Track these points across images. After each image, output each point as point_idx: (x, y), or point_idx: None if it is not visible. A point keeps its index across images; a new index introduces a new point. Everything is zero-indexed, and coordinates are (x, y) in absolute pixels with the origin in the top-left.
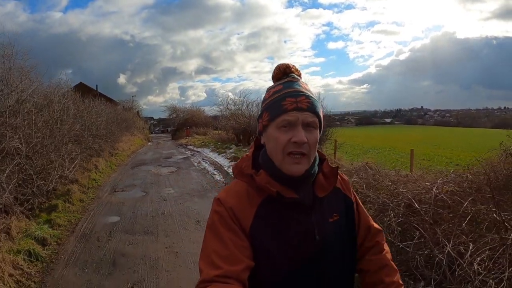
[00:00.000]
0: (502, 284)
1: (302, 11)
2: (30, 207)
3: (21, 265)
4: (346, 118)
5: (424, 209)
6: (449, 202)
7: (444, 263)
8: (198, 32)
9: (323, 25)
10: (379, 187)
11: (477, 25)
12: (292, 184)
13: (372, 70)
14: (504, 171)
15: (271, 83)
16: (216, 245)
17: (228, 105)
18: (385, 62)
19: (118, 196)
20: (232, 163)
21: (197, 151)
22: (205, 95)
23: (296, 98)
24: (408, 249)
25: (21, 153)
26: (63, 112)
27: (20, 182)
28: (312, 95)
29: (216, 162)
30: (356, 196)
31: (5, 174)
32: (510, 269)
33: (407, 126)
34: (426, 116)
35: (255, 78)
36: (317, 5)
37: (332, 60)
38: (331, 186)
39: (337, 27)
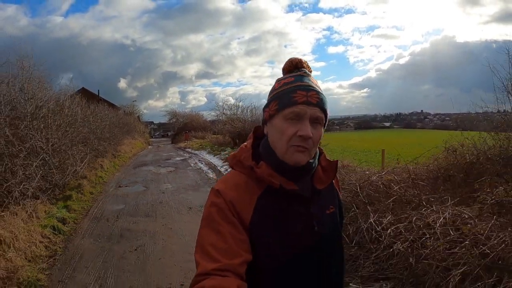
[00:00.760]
0: (407, 243)
1: (303, 15)
2: (51, 195)
3: (48, 235)
4: (345, 122)
5: (363, 192)
6: (383, 187)
7: (364, 229)
8: (198, 36)
9: (324, 29)
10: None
11: (476, 28)
12: (293, 175)
13: (372, 74)
14: (445, 164)
15: (271, 88)
16: (214, 238)
17: (224, 110)
18: (385, 66)
19: (122, 190)
20: (225, 163)
21: (195, 154)
22: (205, 99)
23: (307, 92)
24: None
25: (46, 150)
26: (72, 117)
27: (43, 174)
28: (321, 92)
29: (211, 163)
30: (340, 195)
31: (33, 167)
32: (416, 232)
33: (406, 130)
34: (426, 119)
35: (255, 83)
36: (317, 10)
37: (333, 65)
38: (330, 179)
39: (337, 32)
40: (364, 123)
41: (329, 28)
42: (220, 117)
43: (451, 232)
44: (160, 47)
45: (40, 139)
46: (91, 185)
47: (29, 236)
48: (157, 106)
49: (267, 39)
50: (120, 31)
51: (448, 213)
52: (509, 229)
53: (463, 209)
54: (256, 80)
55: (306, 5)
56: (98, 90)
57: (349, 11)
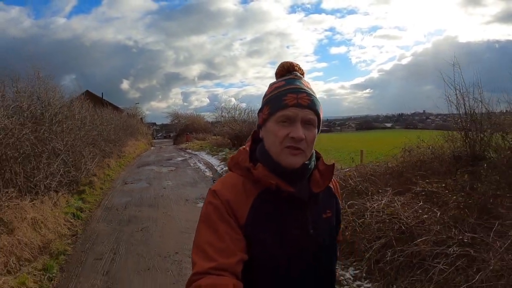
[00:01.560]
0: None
1: (305, 16)
2: (69, 189)
3: (70, 220)
4: (347, 123)
5: None
6: (341, 181)
7: None
8: (201, 37)
9: (326, 30)
10: None
11: (479, 29)
12: (289, 178)
13: (375, 74)
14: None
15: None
16: (211, 237)
17: (223, 112)
18: (388, 66)
19: (128, 186)
20: (222, 162)
21: (195, 154)
22: (208, 100)
23: (297, 94)
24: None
25: (64, 151)
26: (81, 121)
27: (63, 172)
28: (313, 93)
29: (209, 163)
30: (340, 201)
31: (55, 165)
32: (357, 214)
33: (407, 130)
34: (428, 120)
35: (257, 84)
36: (319, 11)
37: (335, 65)
38: (327, 182)
39: (339, 32)
40: (365, 124)
41: (331, 29)
42: (219, 119)
43: (382, 214)
44: (162, 48)
45: (58, 142)
46: (100, 182)
47: (55, 220)
48: (159, 107)
49: (269, 40)
50: (123, 32)
51: (385, 201)
52: (426, 211)
53: (397, 198)
54: (258, 81)
55: (308, 6)
56: (102, 93)
57: (352, 11)
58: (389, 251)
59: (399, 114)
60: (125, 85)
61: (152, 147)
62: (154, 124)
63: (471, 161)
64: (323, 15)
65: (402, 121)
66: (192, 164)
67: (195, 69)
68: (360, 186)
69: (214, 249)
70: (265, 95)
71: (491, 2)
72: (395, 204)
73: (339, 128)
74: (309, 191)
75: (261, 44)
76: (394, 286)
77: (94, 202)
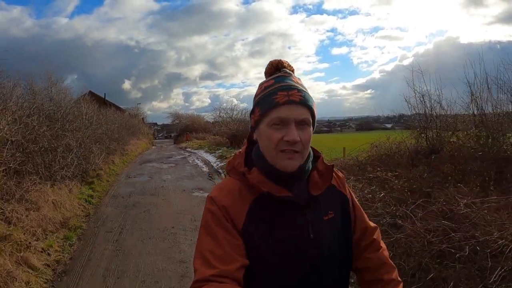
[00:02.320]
0: None
1: (307, 17)
2: (81, 179)
3: (83, 204)
4: (347, 124)
5: None
6: None
7: None
8: (202, 38)
9: (327, 31)
10: None
11: (480, 29)
12: (286, 181)
13: (376, 75)
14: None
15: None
16: (211, 244)
17: (221, 113)
18: (389, 67)
19: (131, 179)
20: (218, 159)
21: (194, 152)
22: (209, 101)
23: (288, 91)
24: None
25: (76, 146)
26: (88, 120)
27: (76, 163)
28: (304, 89)
29: (206, 160)
30: (352, 194)
31: (69, 159)
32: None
33: (406, 130)
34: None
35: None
36: (321, 11)
37: (336, 66)
38: (326, 184)
39: (341, 33)
40: (365, 124)
41: (333, 30)
42: (217, 119)
43: None
44: (164, 49)
45: (71, 139)
46: (107, 175)
47: (71, 203)
48: (161, 107)
49: (271, 40)
50: (125, 33)
51: None
52: (373, 192)
53: (356, 184)
54: (260, 81)
55: (310, 6)
56: (105, 94)
57: (353, 12)
58: None
59: (400, 114)
60: (126, 85)
61: (153, 147)
62: (155, 124)
63: (427, 154)
64: (325, 15)
65: (403, 122)
66: (190, 161)
67: (197, 69)
68: None
69: (214, 256)
70: (255, 96)
71: (493, 3)
72: (355, 188)
73: (339, 128)
74: (307, 194)
75: (263, 44)
76: None
77: (102, 191)
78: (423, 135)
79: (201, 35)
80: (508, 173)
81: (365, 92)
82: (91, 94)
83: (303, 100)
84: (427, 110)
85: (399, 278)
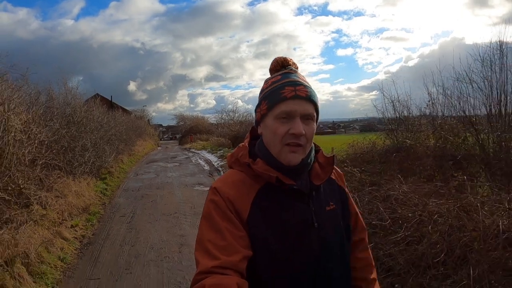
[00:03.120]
0: None
1: (312, 18)
2: (96, 175)
3: (99, 195)
4: (351, 125)
5: None
6: None
7: None
8: (208, 39)
9: (333, 32)
10: None
11: (485, 30)
12: (289, 173)
13: (381, 76)
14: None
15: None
16: (213, 235)
17: (223, 115)
18: (394, 68)
19: (140, 176)
20: (219, 159)
21: (197, 153)
22: (214, 102)
23: (295, 87)
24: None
25: (92, 146)
26: (99, 123)
27: (93, 160)
28: (310, 86)
29: (208, 159)
30: (348, 191)
31: (86, 157)
32: None
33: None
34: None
35: (265, 80)
36: (326, 13)
37: (341, 67)
38: (327, 174)
39: (346, 34)
40: (369, 126)
41: (338, 31)
42: (220, 121)
43: None
44: (169, 50)
45: (87, 140)
46: (117, 173)
47: (89, 194)
48: (166, 109)
49: (276, 42)
50: (130, 34)
51: None
52: None
53: None
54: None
55: (315, 8)
56: (111, 96)
57: (358, 13)
58: None
59: (405, 116)
60: (132, 86)
61: (159, 147)
62: (161, 125)
63: (393, 153)
64: (330, 17)
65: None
66: (193, 161)
67: (202, 71)
68: None
69: (216, 247)
70: (262, 91)
71: (498, 3)
72: None
73: (343, 130)
74: (310, 184)
75: (268, 46)
76: None
77: (115, 186)
78: (391, 136)
79: (207, 36)
80: (448, 167)
81: (370, 93)
82: (99, 97)
83: (309, 96)
84: (397, 114)
85: (376, 277)
